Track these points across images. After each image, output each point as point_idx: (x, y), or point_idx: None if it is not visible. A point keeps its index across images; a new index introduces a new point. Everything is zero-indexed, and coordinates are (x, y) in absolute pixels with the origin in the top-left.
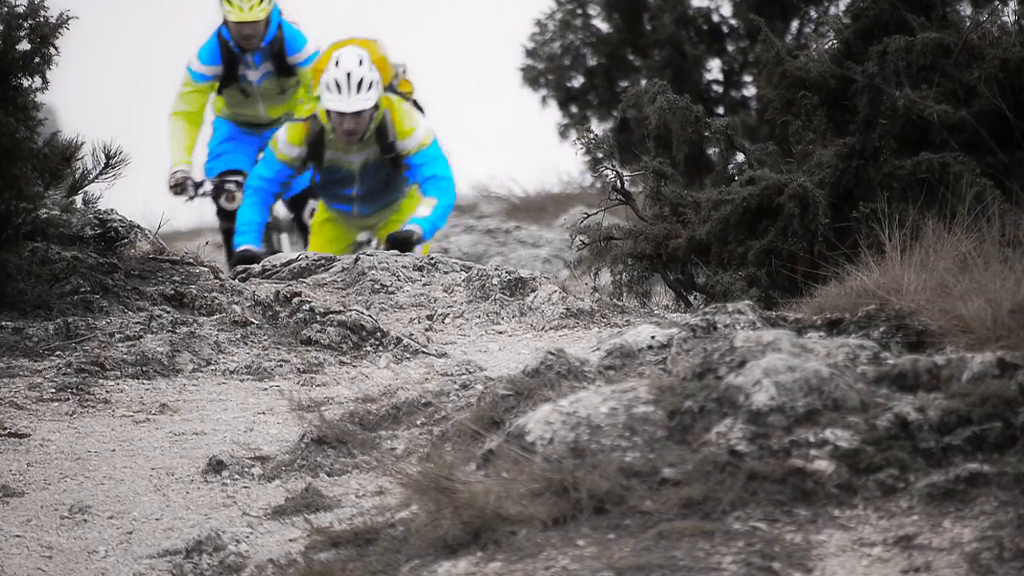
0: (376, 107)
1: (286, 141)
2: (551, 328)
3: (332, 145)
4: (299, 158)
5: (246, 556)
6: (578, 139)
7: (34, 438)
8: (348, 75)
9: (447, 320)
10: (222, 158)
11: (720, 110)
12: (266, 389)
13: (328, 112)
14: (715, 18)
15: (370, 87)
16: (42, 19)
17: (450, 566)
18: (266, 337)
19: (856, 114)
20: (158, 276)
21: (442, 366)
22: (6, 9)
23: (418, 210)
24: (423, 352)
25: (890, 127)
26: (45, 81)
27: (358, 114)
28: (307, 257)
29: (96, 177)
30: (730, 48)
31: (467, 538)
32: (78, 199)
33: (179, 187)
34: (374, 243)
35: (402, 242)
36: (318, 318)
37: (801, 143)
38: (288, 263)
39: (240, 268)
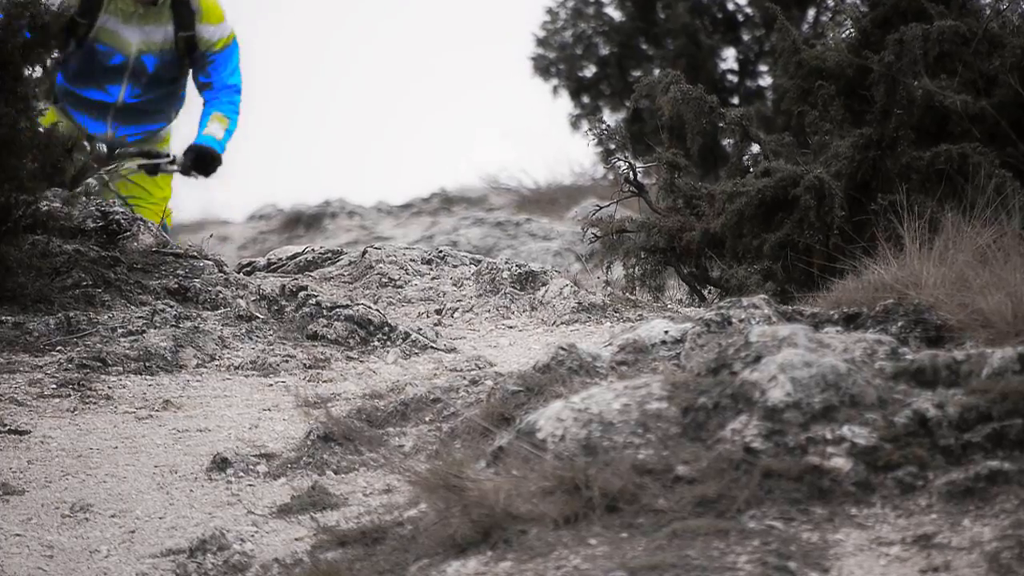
0: None
1: None
2: (562, 323)
3: (111, 7)
4: (66, 14)
5: (251, 555)
6: (590, 130)
7: (35, 435)
8: None
9: (456, 314)
10: None
11: (735, 100)
12: (272, 385)
13: None
14: (730, 6)
15: None
16: (42, 8)
17: (459, 565)
18: (271, 332)
19: (874, 104)
20: (161, 270)
21: (451, 361)
22: None
23: (210, 127)
24: (432, 347)
25: (907, 117)
26: (46, 71)
27: None
28: (313, 251)
29: (98, 169)
30: (745, 37)
31: (477, 537)
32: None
33: None
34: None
35: (208, 160)
36: (324, 312)
37: (818, 134)
38: (294, 256)
39: None
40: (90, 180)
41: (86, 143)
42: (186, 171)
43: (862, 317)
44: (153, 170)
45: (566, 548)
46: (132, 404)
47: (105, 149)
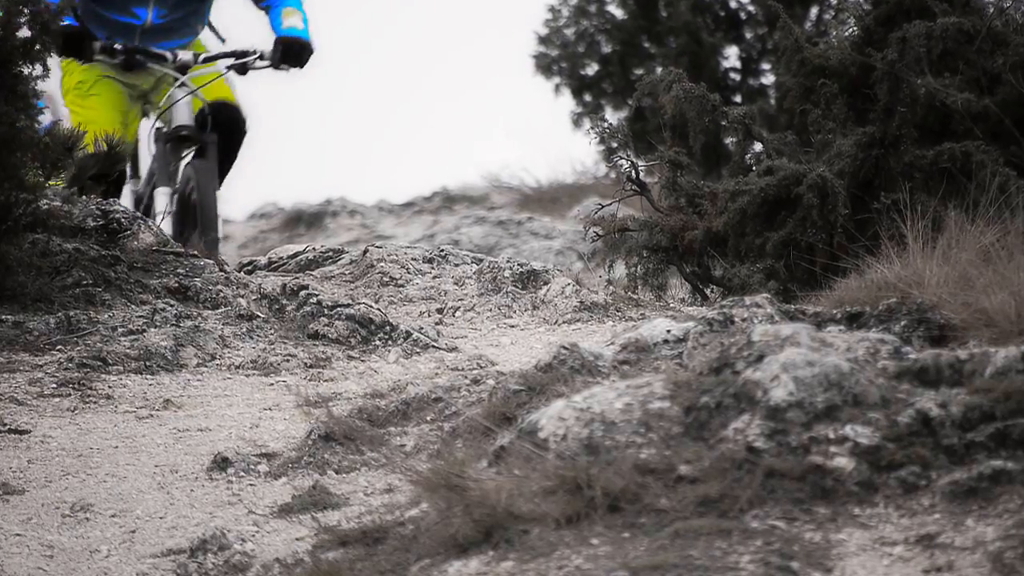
0: None
1: None
2: (564, 322)
3: None
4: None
5: (252, 555)
6: (592, 128)
7: (35, 434)
8: None
9: (458, 313)
10: None
11: (738, 98)
12: (272, 384)
13: None
14: (732, 4)
15: None
16: (42, 6)
17: (461, 565)
18: (272, 331)
19: (877, 102)
20: (162, 269)
21: (453, 361)
22: None
23: (287, 20)
24: (433, 346)
25: (910, 115)
26: (46, 69)
27: None
28: (314, 249)
29: (98, 168)
30: (748, 35)
31: (478, 537)
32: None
33: None
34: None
35: (297, 49)
36: (325, 311)
37: (820, 132)
38: (295, 255)
39: None
40: (174, 90)
41: (168, 53)
42: (276, 65)
43: (865, 316)
44: (242, 69)
45: (568, 548)
46: (132, 403)
47: (191, 56)
